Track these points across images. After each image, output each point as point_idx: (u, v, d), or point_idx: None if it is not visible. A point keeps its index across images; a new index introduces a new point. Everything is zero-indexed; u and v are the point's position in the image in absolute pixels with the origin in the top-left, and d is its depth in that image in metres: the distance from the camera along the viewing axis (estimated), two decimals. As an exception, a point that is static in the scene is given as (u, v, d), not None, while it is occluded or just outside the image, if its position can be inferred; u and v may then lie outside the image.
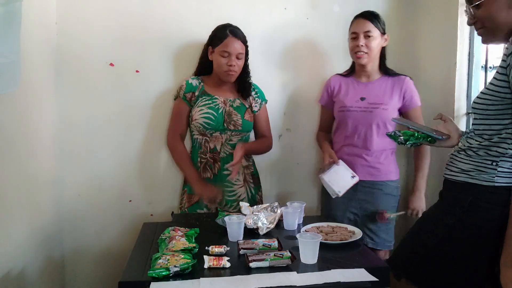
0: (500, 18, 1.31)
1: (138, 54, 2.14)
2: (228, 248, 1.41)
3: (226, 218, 1.56)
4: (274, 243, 1.43)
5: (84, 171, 2.14)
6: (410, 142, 1.60)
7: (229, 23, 2.02)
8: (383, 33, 1.99)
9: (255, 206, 1.75)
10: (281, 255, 1.30)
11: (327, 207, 2.09)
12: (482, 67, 2.03)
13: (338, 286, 1.19)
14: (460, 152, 1.46)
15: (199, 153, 2.05)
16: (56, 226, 2.05)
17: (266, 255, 1.31)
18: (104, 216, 2.17)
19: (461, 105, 2.04)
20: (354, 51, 1.97)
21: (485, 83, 1.99)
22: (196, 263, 1.27)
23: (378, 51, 2.01)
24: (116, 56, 2.11)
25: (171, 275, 1.21)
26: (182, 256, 1.29)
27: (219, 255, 1.36)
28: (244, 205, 1.74)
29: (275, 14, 2.26)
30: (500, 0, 1.30)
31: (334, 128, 2.17)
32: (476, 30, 1.42)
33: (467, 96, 2.04)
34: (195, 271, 1.25)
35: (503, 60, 1.28)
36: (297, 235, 1.37)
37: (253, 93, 2.12)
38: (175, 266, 1.22)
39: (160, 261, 1.26)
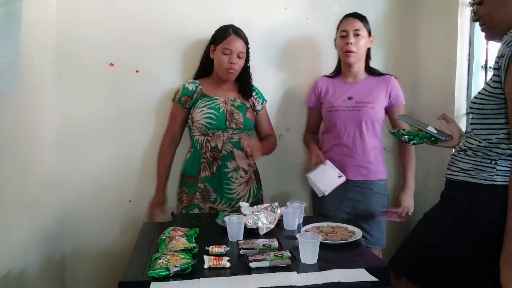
0: (498, 15, 1.35)
1: (138, 54, 2.14)
2: (228, 248, 1.41)
3: (226, 218, 1.56)
4: (274, 243, 1.43)
5: (85, 171, 2.14)
6: (414, 141, 1.63)
7: (232, 24, 2.04)
8: (369, 34, 2.04)
9: (255, 206, 1.75)
10: (281, 255, 1.30)
11: (319, 207, 2.09)
12: (482, 67, 2.03)
13: (338, 286, 1.19)
14: (460, 152, 1.48)
15: (200, 154, 2.05)
16: (56, 226, 2.05)
17: (266, 255, 1.31)
18: (104, 216, 2.17)
19: (461, 105, 2.04)
20: (344, 49, 2.00)
21: (485, 83, 2.00)
22: (196, 263, 1.27)
23: (364, 52, 2.06)
24: (116, 56, 2.12)
25: (171, 275, 1.21)
26: (182, 256, 1.29)
27: (219, 255, 1.36)
28: (244, 205, 1.74)
29: (275, 14, 2.27)
30: None
31: (322, 129, 2.20)
32: (480, 27, 1.45)
33: (467, 96, 2.04)
34: (195, 271, 1.25)
35: (495, 62, 1.31)
36: (297, 235, 1.37)
37: (253, 93, 2.13)
38: (175, 266, 1.22)
39: (160, 261, 1.26)
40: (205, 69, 2.10)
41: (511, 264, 1.25)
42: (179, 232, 1.51)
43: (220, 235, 1.59)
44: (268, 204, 1.78)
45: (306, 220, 1.74)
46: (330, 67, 2.25)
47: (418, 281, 1.49)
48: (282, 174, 2.34)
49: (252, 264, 1.27)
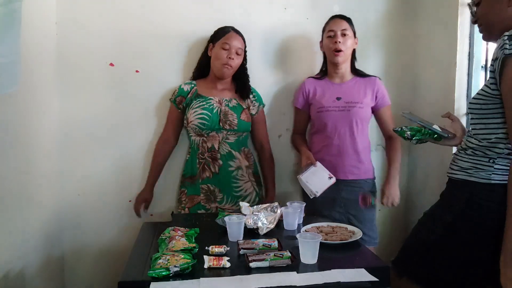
0: (494, 15, 1.37)
1: (138, 54, 2.14)
2: (228, 248, 1.41)
3: (226, 218, 1.56)
4: (274, 243, 1.43)
5: (84, 171, 2.14)
6: (417, 137, 1.65)
7: (231, 26, 2.06)
8: (354, 35, 2.07)
9: (255, 206, 1.75)
10: (281, 255, 1.30)
11: (312, 208, 2.08)
12: (482, 67, 2.03)
13: (338, 286, 1.19)
14: (461, 151, 1.49)
15: (197, 155, 2.05)
16: (56, 225, 2.05)
17: (266, 255, 1.31)
18: (104, 216, 2.17)
19: (461, 105, 2.04)
20: (333, 48, 2.02)
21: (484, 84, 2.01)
22: (196, 263, 1.27)
23: (351, 52, 2.09)
24: (116, 56, 2.12)
25: (171, 275, 1.21)
26: (182, 256, 1.29)
27: (219, 255, 1.36)
28: (244, 205, 1.74)
29: (275, 14, 2.27)
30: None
31: (312, 130, 2.20)
32: (478, 28, 1.47)
33: (467, 96, 2.04)
34: (195, 271, 1.25)
35: (491, 65, 1.33)
36: (297, 235, 1.37)
37: (251, 96, 2.13)
38: (175, 266, 1.22)
39: (160, 261, 1.26)
40: (203, 69, 2.11)
41: (511, 264, 1.25)
42: (179, 232, 1.51)
43: (220, 235, 1.59)
44: (268, 204, 1.78)
45: (306, 220, 1.74)
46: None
47: (418, 280, 1.49)
48: (282, 174, 2.34)
49: (252, 264, 1.27)
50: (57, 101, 2.07)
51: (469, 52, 2.03)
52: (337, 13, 2.12)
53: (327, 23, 2.10)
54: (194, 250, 1.40)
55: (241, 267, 1.30)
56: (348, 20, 2.06)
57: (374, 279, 1.22)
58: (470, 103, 1.44)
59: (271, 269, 1.27)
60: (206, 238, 1.52)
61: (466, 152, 1.45)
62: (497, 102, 1.34)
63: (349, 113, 2.04)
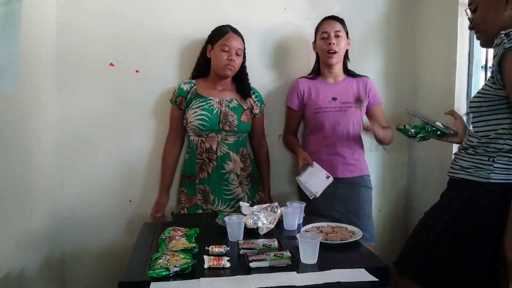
0: (491, 21, 1.38)
1: (138, 54, 2.14)
2: (228, 248, 1.41)
3: (226, 218, 1.56)
4: (274, 243, 1.43)
5: (84, 171, 2.14)
6: (421, 135, 1.70)
7: (228, 24, 2.04)
8: (347, 36, 2.09)
9: (255, 206, 1.75)
10: (281, 255, 1.30)
11: (311, 208, 2.08)
12: (482, 67, 2.03)
13: (338, 286, 1.19)
14: (462, 150, 1.50)
15: (196, 155, 2.05)
16: (56, 226, 2.05)
17: (266, 255, 1.31)
18: (104, 216, 2.17)
19: (461, 105, 2.04)
20: (327, 50, 2.03)
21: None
22: (196, 263, 1.27)
23: (344, 53, 2.10)
24: (116, 56, 2.12)
25: (171, 275, 1.21)
26: (182, 256, 1.29)
27: (219, 255, 1.36)
28: (244, 205, 1.73)
29: (275, 14, 2.26)
30: (491, 4, 1.37)
31: (307, 130, 2.19)
32: (475, 35, 1.49)
33: (467, 96, 2.04)
34: (195, 271, 1.25)
35: (492, 65, 1.34)
36: (297, 235, 1.37)
37: (253, 96, 2.12)
38: (175, 266, 1.22)
39: (160, 261, 1.26)
40: (202, 69, 2.10)
41: None
42: (179, 232, 1.51)
43: (220, 235, 1.59)
44: (268, 204, 1.78)
45: (306, 220, 1.74)
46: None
47: (418, 280, 1.49)
48: (281, 174, 2.34)
49: (252, 264, 1.27)
50: (57, 101, 2.07)
51: (469, 52, 2.03)
52: (337, 13, 2.13)
53: (320, 24, 2.10)
54: (194, 250, 1.40)
55: (241, 267, 1.30)
56: (341, 21, 2.08)
57: (374, 279, 1.22)
58: (470, 101, 1.46)
59: (271, 269, 1.27)
60: (206, 238, 1.52)
61: (467, 151, 1.45)
62: (497, 99, 1.35)
63: (346, 113, 2.06)
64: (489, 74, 2.00)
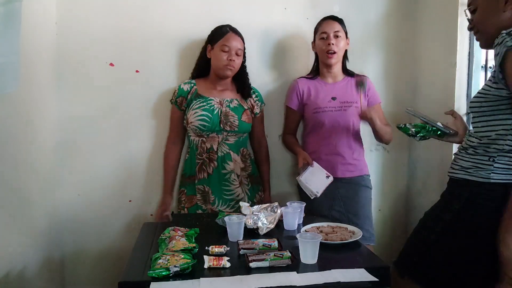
0: (490, 22, 1.38)
1: (138, 54, 2.14)
2: (228, 248, 1.41)
3: (226, 218, 1.56)
4: (274, 243, 1.43)
5: (84, 171, 2.14)
6: (421, 134, 1.71)
7: (228, 24, 2.04)
8: (346, 36, 2.09)
9: (255, 206, 1.75)
10: (281, 255, 1.30)
11: (312, 208, 2.08)
12: (482, 67, 2.03)
13: (338, 286, 1.19)
14: (462, 151, 1.50)
15: (196, 155, 2.05)
16: (56, 226, 2.05)
17: (266, 255, 1.31)
18: (104, 216, 2.17)
19: (461, 104, 2.04)
20: (326, 50, 2.03)
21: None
22: (196, 263, 1.27)
23: (343, 53, 2.11)
24: (116, 56, 2.12)
25: (171, 275, 1.21)
26: (182, 256, 1.29)
27: (219, 255, 1.36)
28: (244, 205, 1.73)
29: (275, 14, 2.27)
30: (490, 5, 1.37)
31: (306, 130, 2.19)
32: (475, 36, 1.50)
33: (467, 96, 2.04)
34: (195, 271, 1.25)
35: (493, 65, 1.35)
36: (297, 235, 1.37)
37: (253, 96, 2.12)
38: (175, 266, 1.22)
39: (160, 261, 1.26)
40: (202, 69, 2.10)
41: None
42: (179, 232, 1.51)
43: (220, 235, 1.59)
44: (268, 204, 1.78)
45: (306, 220, 1.74)
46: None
47: (418, 280, 1.49)
48: (281, 174, 2.34)
49: (252, 264, 1.27)
50: (57, 101, 2.07)
51: (469, 52, 2.03)
52: (337, 13, 2.13)
53: (319, 24, 2.10)
54: (194, 250, 1.40)
55: (241, 267, 1.30)
56: (340, 21, 2.08)
57: (374, 279, 1.21)
58: (471, 102, 1.46)
59: (271, 269, 1.27)
60: (206, 238, 1.52)
61: (467, 151, 1.45)
62: (498, 99, 1.34)
63: (345, 113, 2.06)
64: (489, 74, 2.01)
